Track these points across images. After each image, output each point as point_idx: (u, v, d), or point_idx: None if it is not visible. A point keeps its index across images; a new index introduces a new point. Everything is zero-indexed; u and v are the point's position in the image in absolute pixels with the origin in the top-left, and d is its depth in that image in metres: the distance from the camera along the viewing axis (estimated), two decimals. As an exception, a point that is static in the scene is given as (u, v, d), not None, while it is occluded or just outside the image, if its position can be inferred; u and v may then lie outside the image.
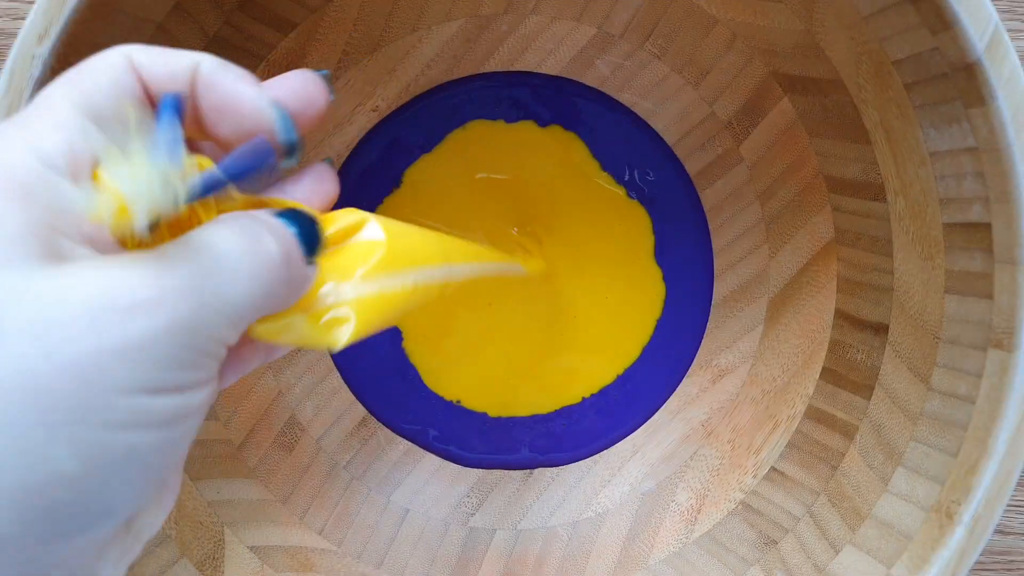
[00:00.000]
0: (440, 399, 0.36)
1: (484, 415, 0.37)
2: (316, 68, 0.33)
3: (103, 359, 0.12)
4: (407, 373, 0.36)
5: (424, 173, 0.36)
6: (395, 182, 0.36)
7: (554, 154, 0.36)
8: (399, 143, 0.35)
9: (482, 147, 0.36)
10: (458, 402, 0.37)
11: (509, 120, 0.36)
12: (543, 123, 0.36)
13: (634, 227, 0.36)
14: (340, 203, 0.21)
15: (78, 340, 0.12)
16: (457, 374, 0.37)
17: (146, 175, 0.13)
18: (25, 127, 0.14)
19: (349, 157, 0.35)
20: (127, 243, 0.15)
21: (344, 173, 0.35)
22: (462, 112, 0.35)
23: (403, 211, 0.36)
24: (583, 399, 0.37)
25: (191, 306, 0.13)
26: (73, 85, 0.15)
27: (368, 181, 0.35)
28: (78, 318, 0.12)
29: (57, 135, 0.14)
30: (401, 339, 0.36)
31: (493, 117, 0.36)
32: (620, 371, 0.37)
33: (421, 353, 0.37)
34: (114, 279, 0.13)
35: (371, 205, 0.36)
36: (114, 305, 0.13)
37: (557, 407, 0.37)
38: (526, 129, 0.36)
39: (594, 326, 0.37)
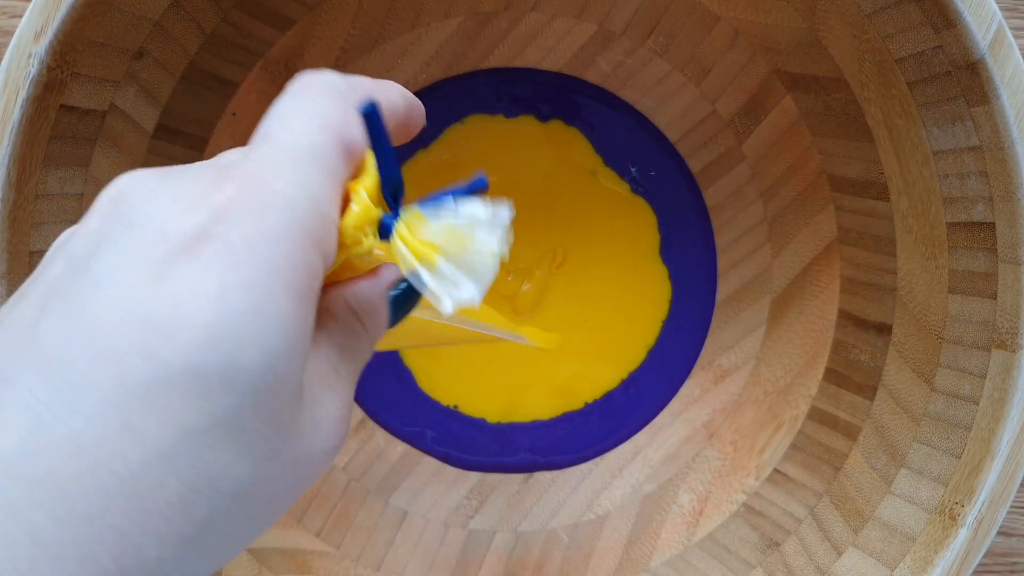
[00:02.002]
0: (437, 403, 0.36)
1: (483, 420, 0.36)
2: (314, 66, 0.33)
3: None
4: (403, 376, 0.36)
5: (420, 169, 0.35)
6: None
7: (555, 149, 0.36)
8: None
9: (481, 142, 0.35)
10: (455, 407, 0.36)
11: (509, 115, 0.35)
12: (543, 118, 0.36)
13: (639, 224, 0.36)
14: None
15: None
16: (454, 379, 0.36)
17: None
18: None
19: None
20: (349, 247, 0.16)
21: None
22: (461, 109, 0.35)
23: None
24: (586, 404, 0.36)
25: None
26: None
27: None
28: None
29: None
30: (398, 340, 0.36)
31: (493, 112, 0.35)
32: (625, 375, 0.36)
33: (416, 355, 0.36)
34: None
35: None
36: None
37: (559, 413, 0.36)
38: (526, 123, 0.35)
39: (601, 330, 0.36)
